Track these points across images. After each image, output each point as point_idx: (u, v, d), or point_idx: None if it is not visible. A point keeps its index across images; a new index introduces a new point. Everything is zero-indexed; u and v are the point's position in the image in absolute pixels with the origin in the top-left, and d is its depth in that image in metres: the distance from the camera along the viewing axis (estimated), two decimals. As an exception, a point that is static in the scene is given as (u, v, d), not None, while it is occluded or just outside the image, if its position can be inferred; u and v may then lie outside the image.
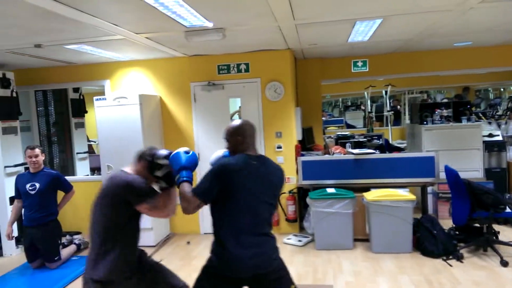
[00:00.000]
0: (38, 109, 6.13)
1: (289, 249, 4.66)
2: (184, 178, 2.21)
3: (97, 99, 4.96)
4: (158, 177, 2.36)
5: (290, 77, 5.26)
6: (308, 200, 4.66)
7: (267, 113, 5.24)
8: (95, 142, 7.24)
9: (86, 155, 6.69)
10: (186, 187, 2.17)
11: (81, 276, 2.29)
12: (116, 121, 4.92)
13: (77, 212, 5.55)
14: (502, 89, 15.15)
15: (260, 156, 2.32)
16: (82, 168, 6.53)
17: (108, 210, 2.24)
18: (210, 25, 3.61)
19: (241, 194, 2.13)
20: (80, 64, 5.47)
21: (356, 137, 6.89)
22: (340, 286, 3.65)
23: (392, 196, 4.37)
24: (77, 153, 6.52)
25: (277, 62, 5.19)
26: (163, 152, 2.38)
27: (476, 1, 3.24)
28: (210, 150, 5.38)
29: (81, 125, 6.67)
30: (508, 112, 8.63)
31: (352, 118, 11.34)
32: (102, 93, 5.45)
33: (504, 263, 3.87)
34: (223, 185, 2.15)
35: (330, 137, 6.82)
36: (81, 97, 6.64)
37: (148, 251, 4.73)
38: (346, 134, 7.27)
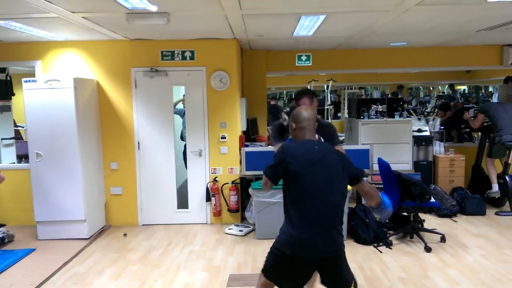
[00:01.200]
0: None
1: (230, 239, 4.69)
2: None
3: (26, 81, 4.57)
4: None
5: (236, 67, 5.23)
6: (250, 190, 4.70)
7: (212, 102, 5.18)
8: (23, 127, 6.70)
9: (12, 141, 6.16)
10: None
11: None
12: (47, 106, 4.57)
13: (1, 203, 5.12)
14: (431, 88, 16.36)
15: (320, 142, 2.47)
16: (7, 155, 6.01)
17: None
18: (153, 8, 3.46)
19: (304, 177, 2.15)
20: (7, 42, 4.99)
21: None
22: None
23: (330, 187, 4.54)
24: (2, 138, 5.99)
25: (223, 52, 5.13)
26: None
27: (412, 4, 3.43)
28: (151, 138, 5.23)
29: (7, 109, 6.12)
30: (436, 110, 9.33)
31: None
32: (32, 75, 5.02)
33: (428, 249, 4.21)
34: (285, 167, 2.18)
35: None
36: (8, 78, 6.07)
37: (80, 244, 4.57)
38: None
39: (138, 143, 5.24)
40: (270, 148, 5.24)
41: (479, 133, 6.18)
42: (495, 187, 5.50)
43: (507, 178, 5.44)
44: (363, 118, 6.12)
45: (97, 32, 4.46)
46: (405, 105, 8.43)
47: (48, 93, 4.56)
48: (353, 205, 4.88)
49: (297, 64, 5.97)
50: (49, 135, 4.60)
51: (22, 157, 5.54)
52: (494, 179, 5.52)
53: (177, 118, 6.03)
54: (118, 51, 5.10)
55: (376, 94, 13.05)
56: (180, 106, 6.14)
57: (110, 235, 4.97)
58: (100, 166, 5.20)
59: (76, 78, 4.64)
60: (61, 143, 4.63)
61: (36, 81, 4.59)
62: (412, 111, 9.63)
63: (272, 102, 10.67)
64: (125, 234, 4.94)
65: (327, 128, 2.94)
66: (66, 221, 4.71)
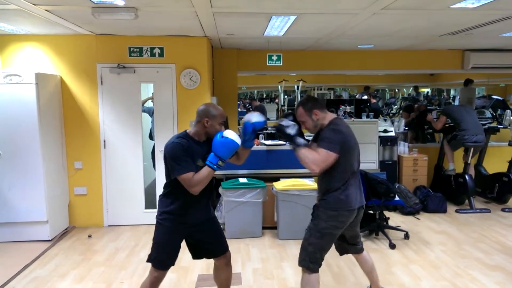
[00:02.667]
0: None
1: (200, 239, 4.64)
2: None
3: (-17, 75, 4.33)
4: None
5: (207, 65, 5.18)
6: (220, 189, 4.68)
7: (181, 101, 5.11)
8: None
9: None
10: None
11: None
12: (6, 102, 4.36)
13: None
14: (397, 90, 16.88)
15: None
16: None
17: None
18: (121, 3, 3.37)
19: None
20: (-39, 33, 4.71)
21: (269, 129, 7.09)
22: (248, 273, 3.75)
23: (299, 186, 4.60)
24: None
25: (193, 49, 5.07)
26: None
27: (379, 7, 3.52)
28: (118, 137, 5.10)
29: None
30: (401, 111, 9.64)
31: (266, 110, 11.63)
32: (-10, 69, 4.78)
33: (392, 246, 4.34)
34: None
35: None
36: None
37: (42, 247, 4.38)
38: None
39: (104, 141, 5.09)
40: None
41: (441, 134, 6.43)
42: (451, 166, 5.94)
43: (466, 177, 5.70)
44: (332, 118, 6.22)
45: (61, 26, 4.29)
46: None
47: (7, 88, 4.34)
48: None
49: (268, 64, 5.99)
50: (9, 133, 4.39)
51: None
52: (450, 159, 5.96)
53: (145, 116, 5.91)
54: (83, 46, 4.93)
55: (344, 95, 13.33)
56: (149, 104, 6.01)
57: (74, 236, 4.80)
58: (64, 165, 5.01)
59: (38, 73, 4.44)
60: (21, 141, 4.42)
61: (-6, 76, 4.36)
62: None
63: (256, 103, 10.67)
64: (89, 236, 4.78)
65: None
66: (26, 222, 4.51)
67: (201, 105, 2.55)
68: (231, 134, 2.40)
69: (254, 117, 2.57)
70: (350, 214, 2.69)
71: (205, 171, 2.41)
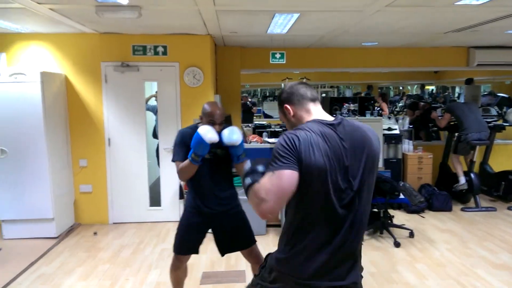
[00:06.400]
0: None
1: (204, 236, 4.66)
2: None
3: (-12, 74, 4.37)
4: None
5: (210, 63, 5.18)
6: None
7: (185, 99, 5.12)
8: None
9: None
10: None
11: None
12: (11, 100, 4.38)
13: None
14: (401, 88, 16.82)
15: None
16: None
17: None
18: (124, 1, 3.38)
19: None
20: (-33, 32, 4.75)
21: (273, 126, 7.10)
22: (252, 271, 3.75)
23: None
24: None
25: (197, 47, 5.07)
26: None
27: (383, 4, 3.51)
28: (122, 135, 5.13)
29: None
30: (405, 109, 9.60)
31: (270, 108, 11.66)
32: (-5, 68, 4.81)
33: (397, 244, 4.33)
34: None
35: (248, 126, 6.92)
36: (-31, 71, 5.77)
37: (49, 244, 4.42)
38: (263, 124, 7.45)
39: (109, 139, 5.11)
40: (244, 145, 5.22)
41: (446, 132, 6.40)
42: (462, 180, 5.67)
43: (472, 175, 5.66)
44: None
45: (65, 24, 4.31)
46: (376, 105, 8.62)
47: (13, 87, 4.37)
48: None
49: (271, 62, 5.98)
50: (15, 131, 4.42)
51: (-15, 154, 5.29)
52: (460, 172, 5.70)
53: (149, 114, 5.93)
54: (87, 44, 4.95)
55: (348, 93, 13.29)
56: (152, 102, 6.03)
57: (79, 234, 4.84)
58: (69, 163, 5.04)
59: (43, 71, 4.47)
60: (27, 139, 4.45)
61: (0, 75, 4.39)
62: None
63: (247, 100, 10.64)
64: (95, 233, 4.81)
65: None
66: (33, 219, 4.54)
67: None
68: (202, 129, 2.42)
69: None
70: None
71: (185, 162, 2.53)
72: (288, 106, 1.63)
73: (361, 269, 1.64)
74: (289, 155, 1.43)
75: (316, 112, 1.61)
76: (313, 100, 1.63)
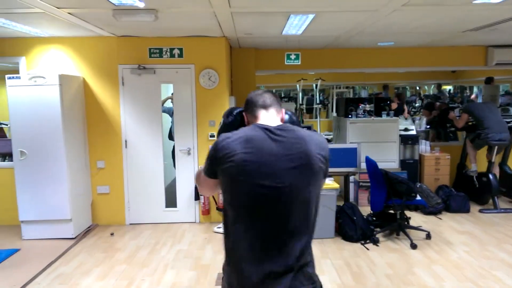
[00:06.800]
0: None
1: (219, 237, 4.67)
2: None
3: (9, 78, 4.47)
4: None
5: (225, 65, 5.21)
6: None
7: (200, 101, 5.15)
8: (6, 125, 6.55)
9: (-5, 139, 6.03)
10: None
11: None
12: (31, 103, 4.49)
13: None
14: (417, 88, 16.58)
15: None
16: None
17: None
18: (141, 5, 3.42)
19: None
20: (-11, 37, 4.88)
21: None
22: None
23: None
24: (-15, 136, 5.86)
25: (212, 49, 5.10)
26: None
27: (399, 4, 3.47)
28: (139, 136, 5.19)
29: (-10, 106, 6.00)
30: (422, 109, 9.46)
31: (285, 109, 11.61)
32: (16, 71, 4.92)
33: (414, 246, 4.27)
34: None
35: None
36: (-9, 74, 5.94)
37: (67, 244, 4.50)
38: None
39: (126, 141, 5.18)
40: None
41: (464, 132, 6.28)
42: (474, 167, 5.78)
43: (490, 176, 5.55)
44: (351, 117, 6.16)
45: (83, 28, 4.39)
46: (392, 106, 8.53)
47: (32, 90, 4.47)
48: (341, 203, 4.91)
49: (286, 63, 5.97)
50: (34, 133, 4.52)
51: (6, 155, 5.43)
52: (473, 159, 5.80)
53: (165, 116, 5.99)
54: (105, 48, 5.04)
55: (363, 94, 13.18)
56: (168, 104, 6.09)
57: (96, 234, 4.91)
58: (87, 165, 5.13)
59: (62, 74, 4.56)
60: (46, 141, 4.54)
61: (20, 78, 4.49)
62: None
63: None
64: (112, 234, 4.88)
65: None
66: (51, 220, 4.63)
67: None
68: None
69: None
70: None
71: None
72: (244, 114, 1.71)
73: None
74: (208, 161, 1.56)
75: (264, 117, 1.61)
76: (264, 107, 1.64)
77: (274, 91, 16.81)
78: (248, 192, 1.45)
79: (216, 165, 1.50)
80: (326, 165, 1.56)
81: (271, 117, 1.62)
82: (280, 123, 1.61)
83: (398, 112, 9.66)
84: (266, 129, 1.51)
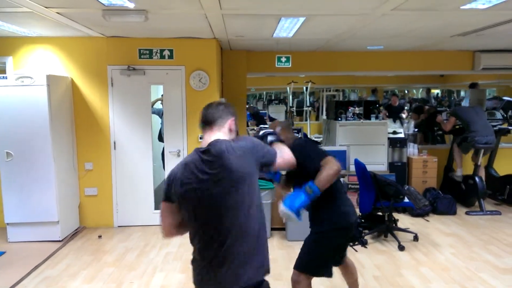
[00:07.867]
0: None
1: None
2: None
3: (-4, 77, 4.41)
4: None
5: (216, 67, 5.20)
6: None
7: (191, 102, 5.14)
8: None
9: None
10: None
11: None
12: (18, 103, 4.42)
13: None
14: (406, 91, 16.77)
15: None
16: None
17: None
18: (131, 5, 3.40)
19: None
20: (-25, 36, 4.80)
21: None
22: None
23: (308, 188, 4.59)
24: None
25: (202, 51, 5.10)
26: None
27: (388, 8, 3.51)
28: (128, 138, 5.15)
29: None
30: (410, 113, 9.56)
31: (275, 111, 11.68)
32: (3, 71, 4.85)
33: (401, 248, 4.31)
34: None
35: (253, 129, 6.93)
36: (-24, 74, 5.83)
37: (53, 247, 4.44)
38: (266, 127, 7.44)
39: (114, 143, 5.14)
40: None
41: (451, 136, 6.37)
42: (459, 172, 5.89)
43: (476, 179, 5.64)
44: (341, 120, 6.21)
45: (71, 28, 4.35)
46: (381, 108, 8.62)
47: (19, 90, 4.41)
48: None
49: (277, 66, 5.99)
50: (20, 134, 4.45)
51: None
52: (459, 164, 5.91)
53: (155, 117, 5.95)
54: (94, 48, 4.99)
55: (353, 97, 13.29)
56: (158, 105, 6.06)
57: (84, 237, 4.85)
58: (74, 166, 5.07)
59: (49, 75, 4.50)
60: (33, 142, 4.48)
61: (6, 78, 4.42)
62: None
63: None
64: (100, 236, 4.83)
65: None
66: (38, 222, 4.56)
67: None
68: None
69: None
70: None
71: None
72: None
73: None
74: (165, 189, 1.75)
75: (206, 136, 1.79)
76: (206, 123, 1.81)
77: (264, 93, 16.82)
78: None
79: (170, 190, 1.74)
80: (254, 163, 1.73)
81: (212, 133, 1.78)
82: (221, 137, 1.75)
83: (399, 110, 9.79)
84: (201, 151, 1.71)
